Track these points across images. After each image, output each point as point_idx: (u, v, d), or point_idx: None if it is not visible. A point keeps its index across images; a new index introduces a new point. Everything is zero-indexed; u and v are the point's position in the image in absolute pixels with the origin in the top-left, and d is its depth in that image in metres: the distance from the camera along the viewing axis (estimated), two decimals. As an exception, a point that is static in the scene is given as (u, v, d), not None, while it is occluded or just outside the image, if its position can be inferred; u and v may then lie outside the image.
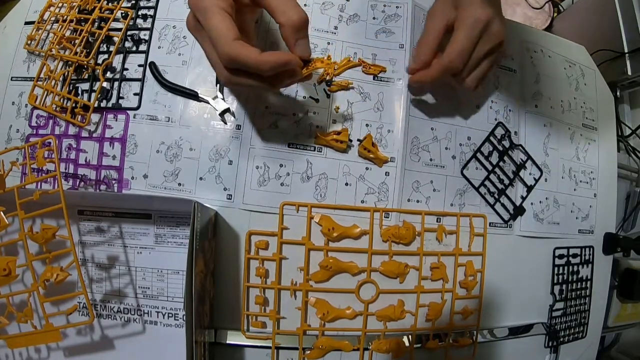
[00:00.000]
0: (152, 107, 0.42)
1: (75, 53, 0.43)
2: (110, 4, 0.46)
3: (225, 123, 0.42)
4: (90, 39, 0.44)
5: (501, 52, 0.42)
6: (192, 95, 0.42)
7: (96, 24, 0.44)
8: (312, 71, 0.34)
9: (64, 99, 0.43)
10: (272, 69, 0.30)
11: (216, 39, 0.29)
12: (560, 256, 0.50)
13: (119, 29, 0.44)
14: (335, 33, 0.45)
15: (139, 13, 0.45)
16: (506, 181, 0.47)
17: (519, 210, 0.47)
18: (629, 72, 0.62)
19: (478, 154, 0.46)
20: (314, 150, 0.42)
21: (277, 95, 0.43)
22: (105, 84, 0.43)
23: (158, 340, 0.40)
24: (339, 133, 0.42)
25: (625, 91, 0.68)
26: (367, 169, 0.43)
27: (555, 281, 0.49)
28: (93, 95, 0.42)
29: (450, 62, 0.39)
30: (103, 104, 0.43)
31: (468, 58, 0.39)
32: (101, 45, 0.44)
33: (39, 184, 0.42)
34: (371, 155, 0.42)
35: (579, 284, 0.51)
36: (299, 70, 0.32)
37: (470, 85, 0.42)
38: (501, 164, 0.47)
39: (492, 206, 0.46)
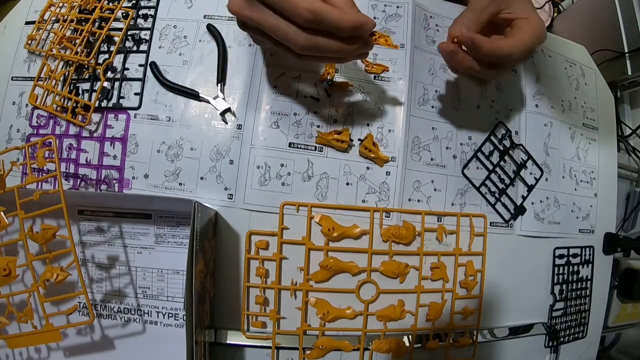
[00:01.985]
0: (152, 107, 0.42)
1: (76, 53, 0.43)
2: (110, 4, 0.46)
3: (226, 123, 0.42)
4: (90, 39, 0.44)
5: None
6: (193, 95, 0.42)
7: (97, 23, 0.44)
8: (376, 44, 0.34)
9: (65, 98, 0.43)
10: (352, 29, 0.29)
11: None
12: (561, 256, 0.50)
13: (120, 29, 0.44)
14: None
15: (140, 13, 0.45)
16: (507, 181, 0.47)
17: (519, 210, 0.47)
18: (629, 72, 0.62)
19: (479, 154, 0.46)
20: (315, 150, 0.42)
21: (277, 95, 0.43)
22: (106, 84, 0.43)
23: (158, 340, 0.40)
24: (339, 133, 0.42)
25: (625, 91, 0.68)
26: (368, 168, 0.43)
27: (555, 281, 0.49)
28: (94, 95, 0.42)
29: (511, 52, 0.36)
30: (104, 104, 0.43)
31: (520, 59, 0.37)
32: (102, 45, 0.44)
33: (39, 184, 0.42)
34: (372, 155, 0.42)
35: (579, 283, 0.51)
36: (371, 39, 0.32)
37: (492, 79, 0.41)
38: (502, 163, 0.47)
39: (493, 206, 0.46)
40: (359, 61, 0.44)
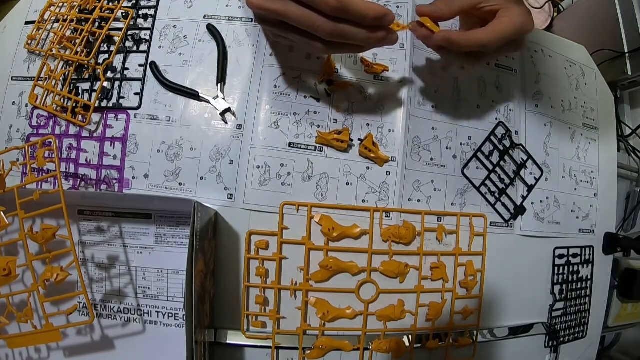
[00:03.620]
0: (152, 107, 0.42)
1: (76, 53, 0.43)
2: (110, 4, 0.46)
3: (226, 123, 0.42)
4: (90, 39, 0.44)
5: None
6: (193, 95, 0.42)
7: (97, 23, 0.44)
8: (398, 30, 0.35)
9: (65, 98, 0.43)
10: (376, 18, 0.31)
11: None
12: (561, 256, 0.50)
13: (120, 29, 0.44)
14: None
15: (140, 13, 0.45)
16: (507, 181, 0.47)
17: (519, 210, 0.47)
18: (629, 72, 0.62)
19: (479, 154, 0.46)
20: (315, 150, 0.42)
21: (277, 95, 0.43)
22: (105, 84, 0.43)
23: (158, 340, 0.40)
24: (339, 132, 0.42)
25: (625, 91, 0.68)
26: (368, 168, 0.43)
27: (555, 281, 0.49)
28: (94, 95, 0.42)
29: (490, 43, 0.36)
30: (104, 104, 0.43)
31: (500, 47, 0.37)
32: (102, 45, 0.44)
33: (39, 184, 0.42)
34: (372, 155, 0.42)
35: (579, 283, 0.51)
36: (393, 30, 0.33)
37: (475, 67, 0.40)
38: (502, 163, 0.47)
39: (493, 205, 0.46)
40: (358, 62, 0.44)
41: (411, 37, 0.45)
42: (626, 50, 0.62)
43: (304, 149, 0.42)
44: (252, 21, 0.44)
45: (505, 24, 0.37)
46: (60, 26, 0.45)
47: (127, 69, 0.43)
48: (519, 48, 0.39)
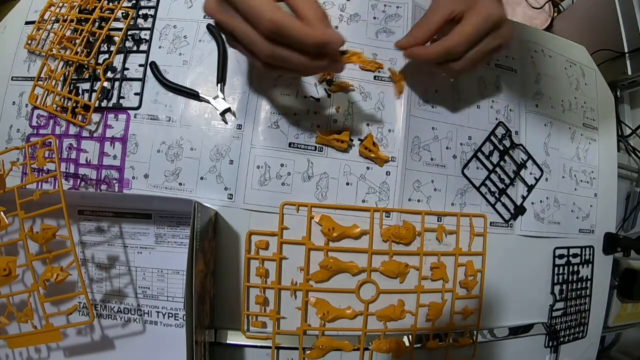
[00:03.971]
0: (152, 107, 0.42)
1: (76, 53, 0.43)
2: (110, 4, 0.46)
3: (226, 123, 0.42)
4: (90, 39, 0.44)
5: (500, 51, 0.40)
6: (193, 95, 0.42)
7: (97, 23, 0.44)
8: (347, 63, 0.33)
9: (65, 98, 0.43)
10: (316, 44, 0.29)
11: (258, 7, 0.28)
12: (561, 256, 0.50)
13: (120, 29, 0.44)
14: (335, 33, 0.45)
15: (140, 13, 0.45)
16: (507, 181, 0.47)
17: (519, 210, 0.47)
18: (629, 72, 0.62)
19: (479, 154, 0.46)
20: (315, 150, 0.42)
21: (277, 95, 0.43)
22: (105, 84, 0.43)
23: (158, 340, 0.40)
24: (339, 132, 0.42)
25: (625, 91, 0.68)
26: (368, 168, 0.43)
27: (555, 281, 0.49)
28: (94, 95, 0.42)
29: (454, 45, 0.36)
30: (104, 104, 0.43)
31: (470, 48, 0.37)
32: (102, 45, 0.44)
33: (39, 184, 0.42)
34: (372, 155, 0.42)
35: (579, 283, 0.51)
36: (339, 56, 0.32)
37: (454, 72, 0.39)
38: (502, 163, 0.47)
39: (493, 205, 0.46)
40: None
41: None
42: (626, 50, 0.62)
43: (304, 149, 0.42)
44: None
45: (468, 22, 0.36)
46: (60, 26, 0.45)
47: (127, 69, 0.43)
48: (504, 42, 0.38)
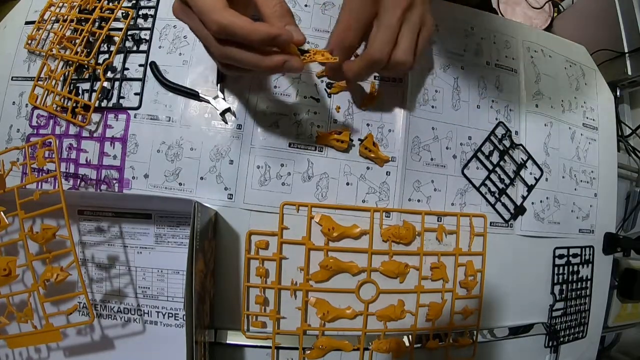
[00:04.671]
0: (152, 107, 0.42)
1: (76, 53, 0.43)
2: (110, 4, 0.45)
3: (226, 123, 0.42)
4: (90, 39, 0.44)
5: (425, 20, 0.37)
6: (193, 95, 0.42)
7: (97, 23, 0.44)
8: (310, 62, 0.32)
9: (65, 98, 0.43)
10: (262, 40, 0.28)
11: (203, 7, 0.28)
12: (561, 256, 0.50)
13: (120, 29, 0.44)
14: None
15: (140, 13, 0.45)
16: (507, 181, 0.47)
17: (519, 210, 0.47)
18: (629, 72, 0.62)
19: (479, 154, 0.46)
20: (315, 150, 0.42)
21: (277, 96, 0.43)
22: (105, 84, 0.43)
23: (158, 340, 0.40)
24: (339, 133, 0.42)
25: (625, 91, 0.68)
26: (368, 168, 0.43)
27: (555, 281, 0.49)
28: (94, 95, 0.42)
29: (377, 55, 0.34)
30: (104, 104, 0.43)
31: (392, 48, 0.35)
32: (102, 45, 0.44)
33: (39, 184, 0.42)
34: (372, 155, 0.42)
35: (579, 283, 0.51)
36: (295, 52, 0.31)
37: (397, 61, 0.35)
38: (502, 163, 0.47)
39: (493, 206, 0.46)
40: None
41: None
42: (626, 50, 0.62)
43: (304, 149, 0.42)
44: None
45: (381, 26, 0.34)
46: (60, 26, 0.45)
47: (127, 69, 0.43)
48: (425, 21, 0.36)
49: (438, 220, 0.44)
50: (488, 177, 0.47)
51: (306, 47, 0.39)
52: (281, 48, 0.30)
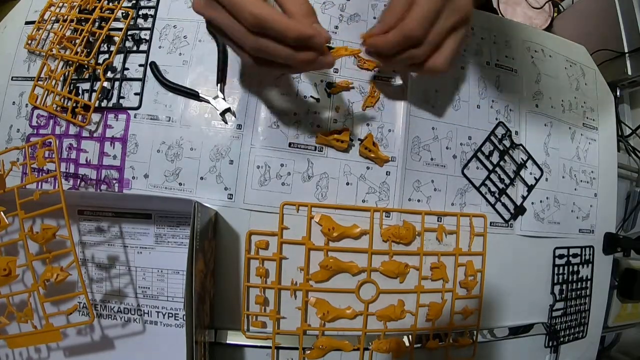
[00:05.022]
0: (152, 107, 0.42)
1: (76, 53, 0.43)
2: (110, 4, 0.46)
3: (226, 123, 0.42)
4: (90, 39, 0.44)
5: (467, 31, 0.37)
6: (193, 95, 0.42)
7: (97, 23, 0.44)
8: (337, 57, 0.32)
9: (65, 98, 0.43)
10: (298, 38, 0.29)
11: (241, 1, 0.28)
12: (561, 256, 0.50)
13: (120, 29, 0.44)
14: (335, 32, 0.45)
15: (140, 13, 0.45)
16: (507, 181, 0.47)
17: (519, 210, 0.47)
18: (629, 72, 0.62)
19: (479, 154, 0.46)
20: (315, 150, 0.42)
21: (277, 95, 0.43)
22: (105, 84, 0.43)
23: (158, 340, 0.40)
24: (339, 132, 0.42)
25: (625, 91, 0.68)
26: (368, 168, 0.43)
27: (555, 281, 0.49)
28: (94, 95, 0.42)
29: (411, 29, 0.33)
30: (104, 104, 0.43)
31: (429, 28, 0.34)
32: (102, 45, 0.44)
33: (39, 184, 0.42)
34: (372, 155, 0.42)
35: (579, 283, 0.51)
36: (327, 50, 0.31)
37: (437, 66, 0.36)
38: (502, 163, 0.47)
39: (493, 205, 0.46)
40: (352, 57, 0.44)
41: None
42: (626, 50, 0.62)
43: (304, 149, 0.42)
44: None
45: (420, 3, 0.33)
46: (60, 26, 0.45)
47: (127, 69, 0.43)
48: (463, 15, 0.35)
49: (438, 220, 0.44)
50: (488, 177, 0.47)
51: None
52: (312, 47, 0.31)
